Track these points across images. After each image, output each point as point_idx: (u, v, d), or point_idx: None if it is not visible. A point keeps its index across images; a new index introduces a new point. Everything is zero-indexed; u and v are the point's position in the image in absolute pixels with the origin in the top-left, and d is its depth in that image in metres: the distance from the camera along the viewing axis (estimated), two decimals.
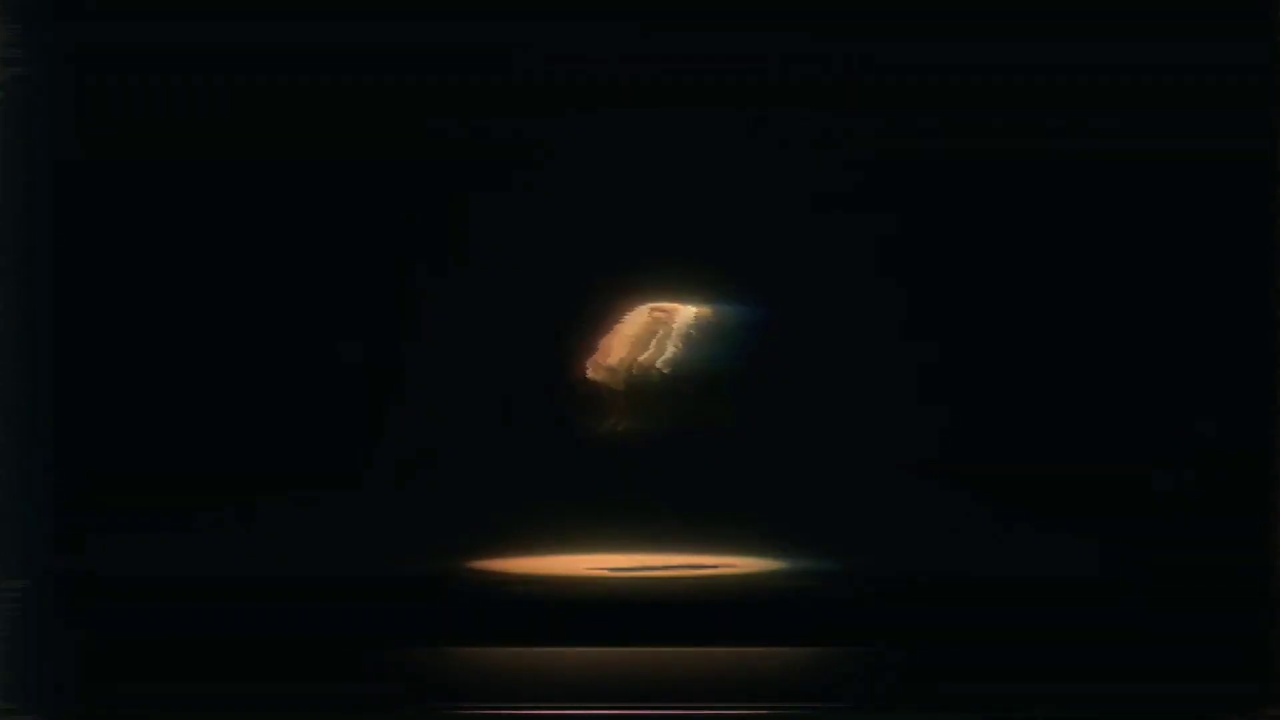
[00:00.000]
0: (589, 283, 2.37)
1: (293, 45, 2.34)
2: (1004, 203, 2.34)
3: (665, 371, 2.38)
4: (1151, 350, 2.34)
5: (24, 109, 2.34)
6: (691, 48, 2.36)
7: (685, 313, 2.38)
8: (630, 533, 2.35)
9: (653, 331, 2.38)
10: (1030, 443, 2.34)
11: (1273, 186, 2.33)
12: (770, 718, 2.32)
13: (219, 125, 2.34)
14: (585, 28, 2.35)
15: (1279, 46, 2.34)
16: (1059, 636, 2.30)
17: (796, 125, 2.36)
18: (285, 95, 2.34)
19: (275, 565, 2.31)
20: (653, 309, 2.39)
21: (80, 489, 2.33)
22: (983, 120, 2.35)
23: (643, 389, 2.38)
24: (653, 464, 2.35)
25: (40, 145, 2.34)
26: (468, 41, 2.34)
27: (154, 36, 2.34)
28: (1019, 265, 2.34)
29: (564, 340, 2.37)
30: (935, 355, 2.35)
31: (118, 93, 2.34)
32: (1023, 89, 2.34)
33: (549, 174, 2.37)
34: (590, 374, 2.38)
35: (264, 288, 2.34)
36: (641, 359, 2.38)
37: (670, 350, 2.38)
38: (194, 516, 2.32)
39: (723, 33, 2.35)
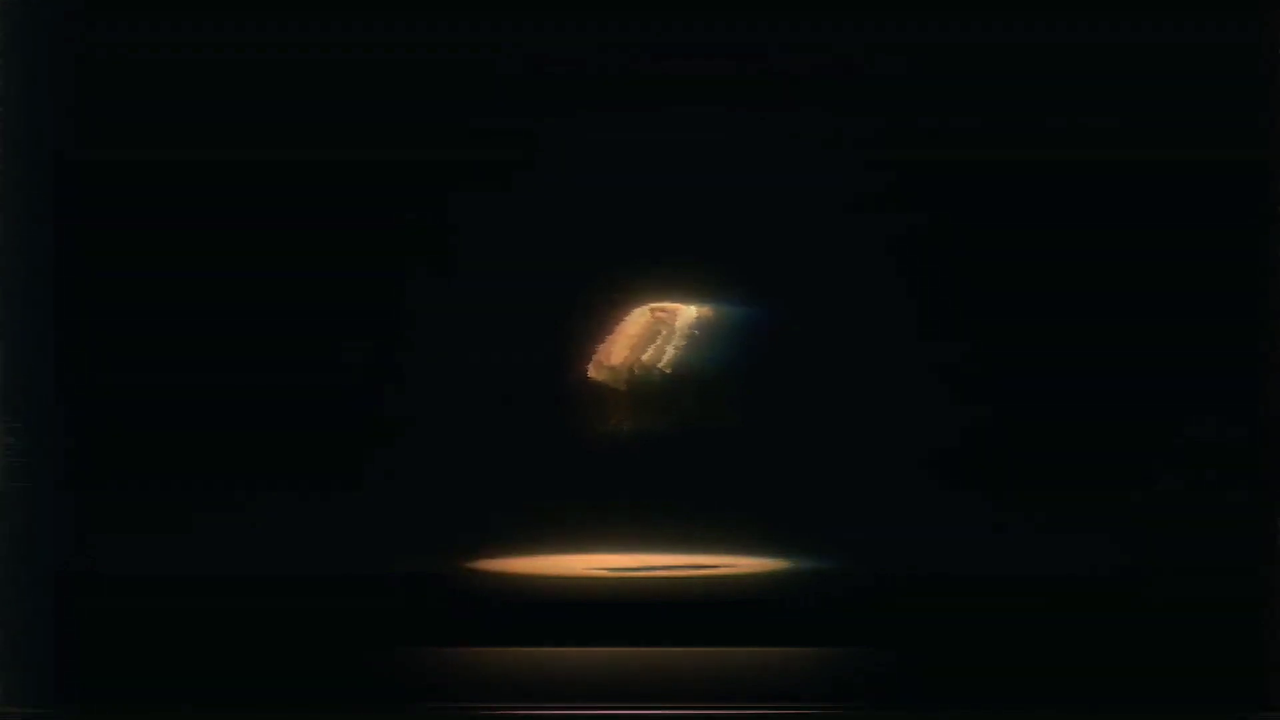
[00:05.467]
0: (590, 283, 2.37)
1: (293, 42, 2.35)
2: (1003, 202, 2.34)
3: (666, 372, 2.38)
4: (1153, 352, 2.33)
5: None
6: (694, 46, 2.36)
7: (686, 313, 2.38)
8: (630, 533, 2.35)
9: (654, 332, 2.38)
10: (1031, 444, 2.33)
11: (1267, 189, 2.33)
12: (770, 718, 2.32)
13: (222, 136, 2.35)
14: (587, 27, 2.35)
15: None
16: (1058, 636, 2.29)
17: (798, 125, 2.36)
18: (283, 93, 2.35)
19: (275, 564, 2.32)
20: (654, 309, 2.39)
21: (83, 488, 2.34)
22: (983, 122, 2.34)
23: (644, 389, 2.38)
24: (653, 464, 2.35)
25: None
26: (467, 41, 2.35)
27: None
28: (1018, 265, 2.33)
29: (565, 340, 2.37)
30: (936, 356, 2.34)
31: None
32: (1021, 88, 2.34)
33: (550, 174, 2.37)
34: (592, 374, 2.38)
35: (265, 287, 2.35)
36: (643, 359, 2.38)
37: (671, 350, 2.38)
38: (194, 515, 2.32)
39: (725, 31, 2.35)
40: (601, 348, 2.38)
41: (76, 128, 2.35)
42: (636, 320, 2.38)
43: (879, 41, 2.34)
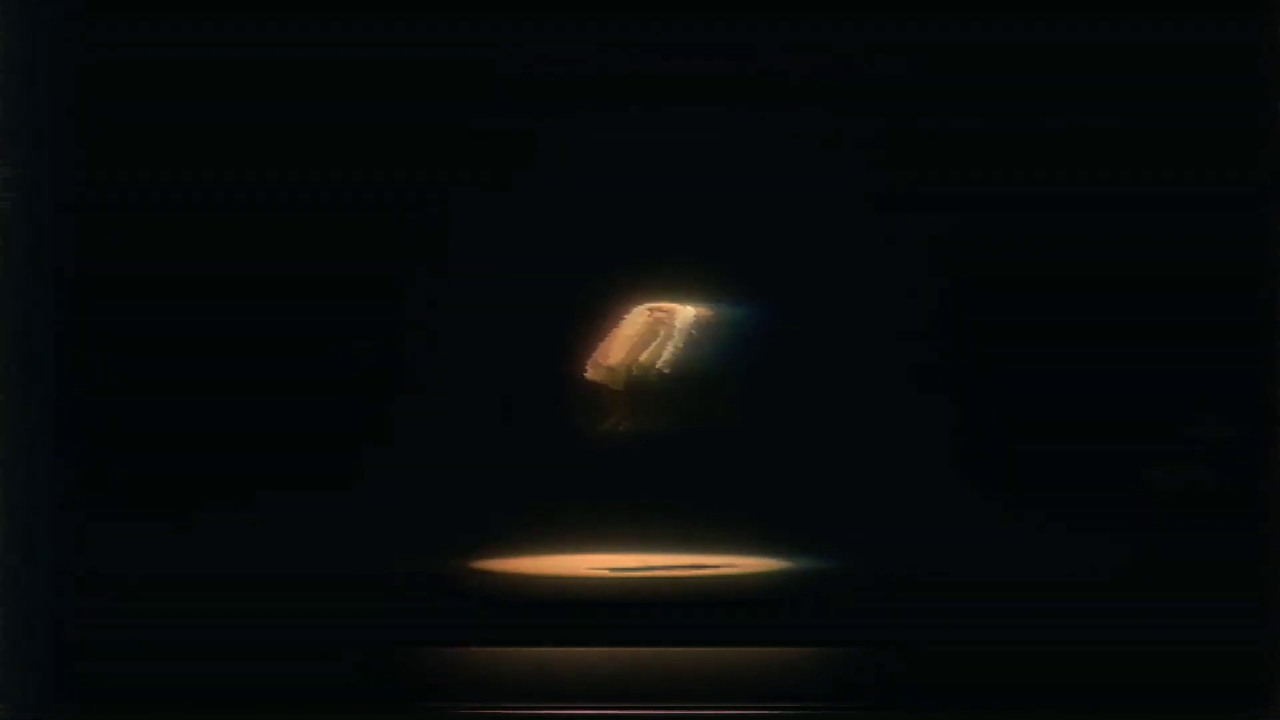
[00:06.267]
0: (589, 283, 2.37)
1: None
2: (1003, 201, 2.34)
3: (665, 371, 2.38)
4: (1152, 351, 2.34)
5: None
6: (694, 46, 2.36)
7: (685, 313, 2.38)
8: (630, 533, 2.35)
9: (653, 331, 2.38)
10: (1031, 443, 2.34)
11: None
12: (770, 718, 2.32)
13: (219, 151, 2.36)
14: (587, 26, 2.36)
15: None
16: (1058, 636, 2.30)
17: (798, 125, 2.36)
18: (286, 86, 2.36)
19: (276, 564, 2.32)
20: (653, 309, 2.39)
21: (83, 488, 2.34)
22: (985, 121, 2.35)
23: (643, 389, 2.38)
24: (653, 464, 2.35)
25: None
26: (468, 41, 2.35)
27: None
28: (1017, 264, 2.34)
29: (564, 340, 2.37)
30: (935, 355, 2.35)
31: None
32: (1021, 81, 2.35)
33: (549, 174, 2.37)
34: (590, 374, 2.38)
35: (266, 287, 2.35)
36: (641, 359, 2.38)
37: (670, 350, 2.38)
38: (194, 515, 2.32)
39: (726, 31, 2.35)
40: (600, 348, 2.38)
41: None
42: (635, 320, 2.38)
43: (879, 42, 2.35)
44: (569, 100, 2.36)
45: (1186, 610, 2.28)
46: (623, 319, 2.38)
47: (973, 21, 2.33)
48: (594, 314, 2.37)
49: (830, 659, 2.34)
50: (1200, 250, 2.33)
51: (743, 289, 2.37)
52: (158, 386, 2.34)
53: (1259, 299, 2.32)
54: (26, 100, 2.33)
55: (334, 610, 2.31)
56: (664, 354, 2.38)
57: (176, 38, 2.34)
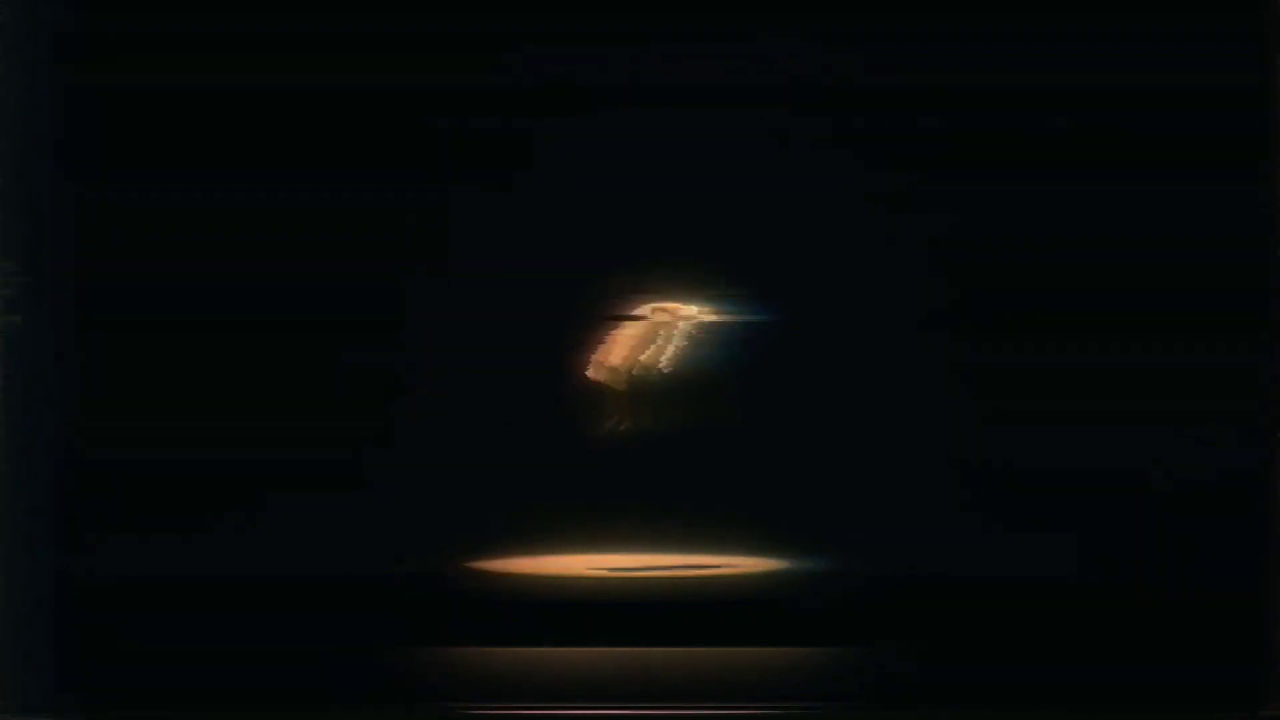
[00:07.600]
0: (591, 283, 2.37)
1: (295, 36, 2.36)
2: (1003, 200, 2.34)
3: (667, 372, 2.38)
4: (1153, 350, 2.33)
5: None
6: (693, 46, 2.36)
7: (687, 313, 2.38)
8: (630, 533, 2.35)
9: (655, 332, 2.38)
10: (1031, 443, 2.33)
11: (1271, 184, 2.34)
12: (770, 718, 2.32)
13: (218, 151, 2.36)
14: (587, 26, 2.36)
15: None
16: (1058, 637, 2.29)
17: (797, 124, 2.36)
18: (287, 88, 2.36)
19: (276, 565, 2.32)
20: (655, 309, 2.39)
21: (84, 489, 2.34)
22: (987, 126, 2.35)
23: (644, 389, 2.38)
24: (653, 464, 2.35)
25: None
26: (467, 39, 2.35)
27: None
28: (1017, 263, 2.34)
29: (566, 340, 2.37)
30: (935, 354, 2.35)
31: None
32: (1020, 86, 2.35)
33: (551, 173, 2.37)
34: (592, 374, 2.38)
35: (267, 288, 2.35)
36: (643, 359, 2.38)
37: (672, 350, 2.38)
38: (193, 517, 2.33)
39: (724, 30, 2.35)
40: (602, 348, 2.38)
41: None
42: (637, 321, 2.38)
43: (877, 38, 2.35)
44: (569, 101, 2.36)
45: (1184, 611, 2.29)
46: (625, 319, 2.38)
47: (966, 13, 2.33)
48: (596, 314, 2.38)
49: (830, 659, 2.33)
50: (1201, 251, 2.33)
51: (745, 290, 2.37)
52: (156, 386, 2.35)
53: (1260, 298, 2.33)
54: (25, 98, 2.34)
55: (335, 611, 2.31)
56: (666, 355, 2.38)
57: (174, 33, 2.35)
